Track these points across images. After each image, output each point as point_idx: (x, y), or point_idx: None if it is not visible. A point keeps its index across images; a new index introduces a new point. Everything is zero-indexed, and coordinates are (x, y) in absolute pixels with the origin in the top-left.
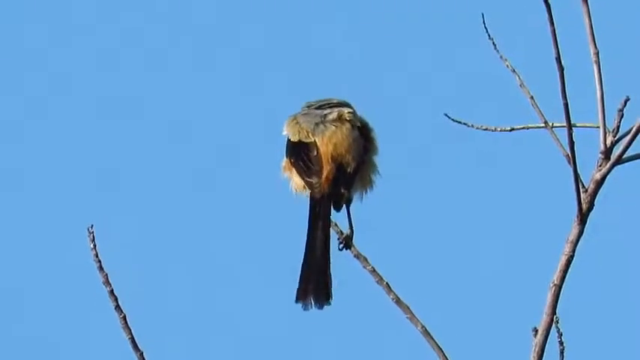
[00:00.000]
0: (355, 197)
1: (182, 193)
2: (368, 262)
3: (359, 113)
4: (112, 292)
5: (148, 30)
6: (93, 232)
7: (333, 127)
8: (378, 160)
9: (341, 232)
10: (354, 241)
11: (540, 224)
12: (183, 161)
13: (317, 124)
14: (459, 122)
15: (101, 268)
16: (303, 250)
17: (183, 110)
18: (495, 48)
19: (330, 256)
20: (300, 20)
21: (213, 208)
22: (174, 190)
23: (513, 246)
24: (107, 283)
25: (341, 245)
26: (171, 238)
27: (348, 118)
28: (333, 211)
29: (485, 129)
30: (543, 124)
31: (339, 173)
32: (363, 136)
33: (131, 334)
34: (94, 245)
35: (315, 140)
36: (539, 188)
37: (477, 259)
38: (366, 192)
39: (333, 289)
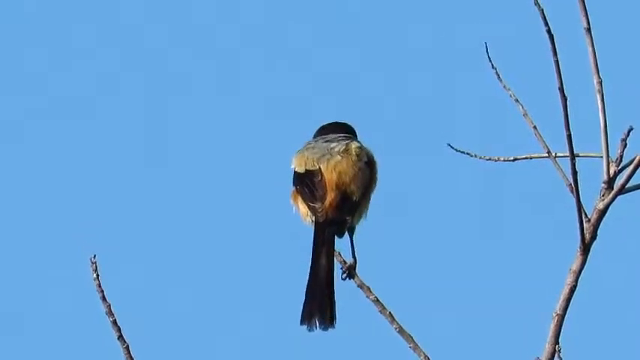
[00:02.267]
0: (358, 227)
1: (183, 218)
2: (371, 292)
3: (367, 147)
4: (114, 322)
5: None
6: (95, 262)
7: (339, 156)
8: (374, 195)
9: (344, 261)
10: (357, 270)
11: (543, 254)
12: (184, 186)
13: (323, 155)
14: (462, 152)
15: (104, 299)
16: (308, 275)
17: (187, 132)
18: (499, 77)
19: (334, 280)
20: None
21: (217, 234)
22: (174, 216)
23: (516, 276)
24: (110, 313)
25: (344, 275)
26: (173, 264)
27: (354, 152)
28: (336, 240)
29: (489, 159)
30: (546, 154)
31: (343, 201)
32: (369, 169)
33: None
34: (97, 275)
35: (319, 167)
36: (542, 218)
37: (480, 288)
38: (358, 224)
39: (337, 312)
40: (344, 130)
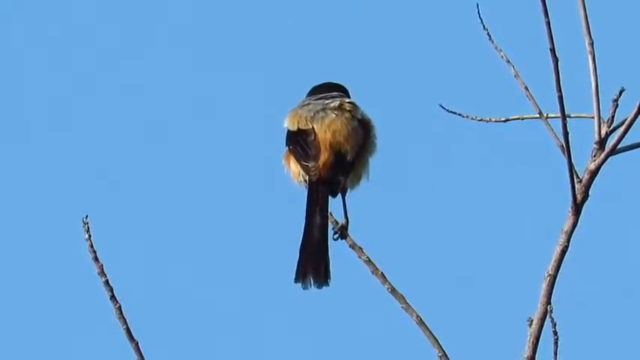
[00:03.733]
0: (350, 187)
1: (176, 182)
2: (363, 252)
3: (362, 108)
4: (107, 282)
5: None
6: (88, 222)
7: (334, 115)
8: (372, 160)
9: (336, 221)
10: (350, 231)
11: (535, 214)
12: (177, 152)
13: (317, 112)
14: (454, 113)
15: (96, 259)
16: (302, 234)
17: (182, 107)
18: (490, 39)
19: (329, 239)
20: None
21: (210, 196)
22: (169, 180)
23: (508, 236)
24: (102, 273)
25: (336, 235)
26: (166, 226)
27: (348, 109)
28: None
29: (480, 120)
30: (538, 115)
31: (336, 160)
32: (363, 130)
33: (126, 324)
34: (89, 236)
35: (313, 127)
36: (533, 179)
37: (472, 249)
38: (352, 189)
39: (331, 270)
40: (337, 89)
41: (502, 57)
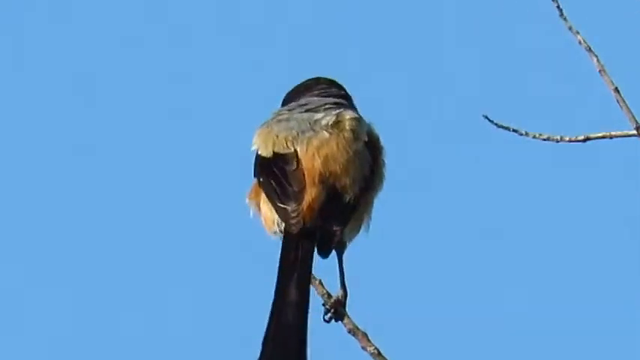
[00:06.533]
0: (348, 241)
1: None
2: (369, 341)
3: (369, 124)
4: None
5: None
6: None
7: (326, 133)
8: (377, 199)
9: (328, 294)
10: (349, 307)
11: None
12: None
13: (302, 130)
14: (506, 128)
15: None
16: (269, 312)
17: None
18: (562, 14)
19: (308, 322)
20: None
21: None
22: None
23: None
24: None
25: (329, 314)
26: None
27: (349, 127)
28: (318, 261)
29: (547, 138)
30: (635, 131)
31: (329, 200)
32: (371, 154)
33: None
34: None
35: (295, 150)
36: (623, 215)
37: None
38: (350, 242)
39: None
40: (331, 90)
41: (580, 42)
